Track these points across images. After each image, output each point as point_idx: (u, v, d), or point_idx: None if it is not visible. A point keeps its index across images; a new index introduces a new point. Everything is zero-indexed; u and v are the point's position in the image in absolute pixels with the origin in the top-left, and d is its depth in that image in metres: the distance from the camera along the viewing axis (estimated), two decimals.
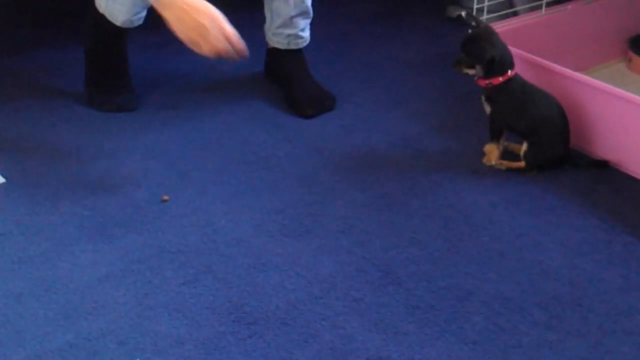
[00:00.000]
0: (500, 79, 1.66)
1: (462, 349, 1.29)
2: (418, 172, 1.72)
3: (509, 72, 1.67)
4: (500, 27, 1.88)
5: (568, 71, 1.74)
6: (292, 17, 1.92)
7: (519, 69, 1.70)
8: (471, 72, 1.69)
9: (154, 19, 2.08)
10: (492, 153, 1.72)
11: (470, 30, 1.71)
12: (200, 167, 1.74)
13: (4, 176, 1.69)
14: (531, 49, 1.80)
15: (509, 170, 1.71)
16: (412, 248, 1.50)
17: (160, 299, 1.38)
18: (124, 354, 1.28)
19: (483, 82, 1.68)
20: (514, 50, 1.72)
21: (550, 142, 1.68)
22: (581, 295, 1.40)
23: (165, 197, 1.62)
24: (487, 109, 1.71)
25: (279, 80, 2.00)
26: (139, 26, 1.90)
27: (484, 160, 1.73)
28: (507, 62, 1.67)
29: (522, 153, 1.70)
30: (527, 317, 1.35)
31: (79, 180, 1.68)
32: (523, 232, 1.55)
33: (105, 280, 1.42)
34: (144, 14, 1.87)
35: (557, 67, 1.75)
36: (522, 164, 1.70)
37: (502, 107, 1.69)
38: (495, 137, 1.71)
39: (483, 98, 1.71)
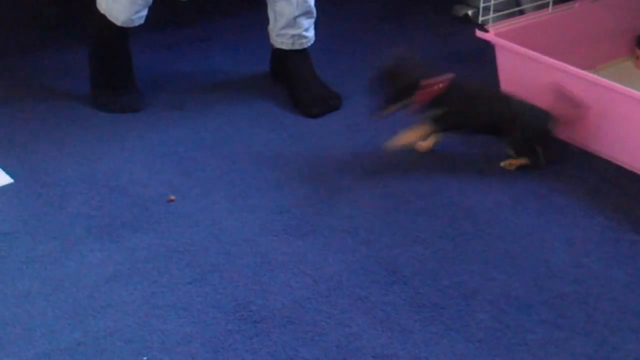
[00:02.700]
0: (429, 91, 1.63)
1: (468, 347, 1.29)
2: (423, 171, 1.72)
3: (421, 81, 1.64)
4: (507, 26, 1.88)
5: (575, 69, 1.74)
6: (295, 17, 1.92)
7: (525, 68, 1.70)
8: (399, 105, 1.66)
9: (158, 19, 2.09)
10: (409, 135, 1.69)
11: (379, 69, 1.66)
12: (205, 166, 1.74)
13: (11, 176, 1.70)
14: (538, 47, 1.80)
15: (520, 168, 1.71)
16: (417, 247, 1.50)
17: (167, 298, 1.39)
18: (132, 352, 1.28)
19: (421, 98, 1.65)
20: (520, 49, 1.72)
21: (523, 131, 1.68)
22: (587, 294, 1.40)
23: (172, 197, 1.63)
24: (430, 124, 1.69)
25: (285, 80, 2.00)
26: (144, 26, 1.91)
27: (396, 142, 1.69)
28: (413, 78, 1.63)
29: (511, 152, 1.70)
30: (533, 315, 1.35)
31: (85, 180, 1.69)
32: (529, 230, 1.55)
33: (112, 280, 1.43)
34: (144, 12, 1.88)
35: (564, 66, 1.75)
36: (523, 160, 1.70)
37: (450, 111, 1.67)
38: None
39: (424, 116, 1.68)
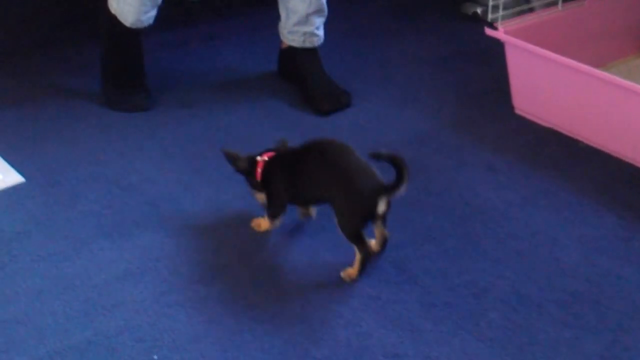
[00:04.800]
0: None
1: (478, 346, 1.29)
2: (433, 169, 1.72)
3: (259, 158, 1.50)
4: (517, 24, 1.87)
5: (585, 67, 1.73)
6: (308, 15, 1.93)
7: (535, 66, 1.69)
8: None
9: (167, 19, 2.09)
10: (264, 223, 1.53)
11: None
12: (215, 165, 1.74)
13: (23, 175, 1.71)
14: (548, 45, 1.80)
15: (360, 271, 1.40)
16: (427, 245, 1.50)
17: (178, 297, 1.39)
18: (142, 350, 1.29)
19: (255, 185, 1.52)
20: (530, 46, 1.71)
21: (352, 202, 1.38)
22: (598, 292, 1.39)
23: None
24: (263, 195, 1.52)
25: (294, 78, 2.00)
26: (154, 26, 1.91)
27: (256, 226, 1.53)
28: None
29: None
30: (544, 314, 1.35)
31: (96, 178, 1.70)
32: (539, 229, 1.54)
33: (123, 278, 1.43)
34: (153, 13, 1.88)
35: (574, 63, 1.74)
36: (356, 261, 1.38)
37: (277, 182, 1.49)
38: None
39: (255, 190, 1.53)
